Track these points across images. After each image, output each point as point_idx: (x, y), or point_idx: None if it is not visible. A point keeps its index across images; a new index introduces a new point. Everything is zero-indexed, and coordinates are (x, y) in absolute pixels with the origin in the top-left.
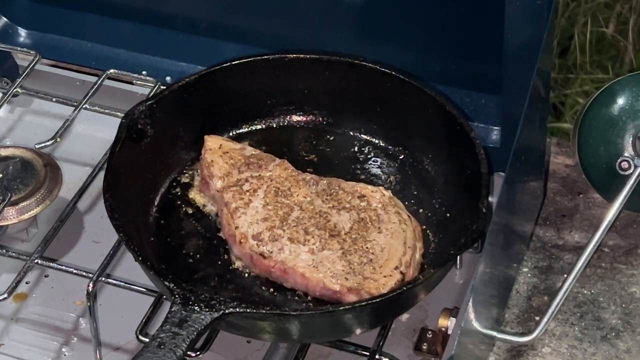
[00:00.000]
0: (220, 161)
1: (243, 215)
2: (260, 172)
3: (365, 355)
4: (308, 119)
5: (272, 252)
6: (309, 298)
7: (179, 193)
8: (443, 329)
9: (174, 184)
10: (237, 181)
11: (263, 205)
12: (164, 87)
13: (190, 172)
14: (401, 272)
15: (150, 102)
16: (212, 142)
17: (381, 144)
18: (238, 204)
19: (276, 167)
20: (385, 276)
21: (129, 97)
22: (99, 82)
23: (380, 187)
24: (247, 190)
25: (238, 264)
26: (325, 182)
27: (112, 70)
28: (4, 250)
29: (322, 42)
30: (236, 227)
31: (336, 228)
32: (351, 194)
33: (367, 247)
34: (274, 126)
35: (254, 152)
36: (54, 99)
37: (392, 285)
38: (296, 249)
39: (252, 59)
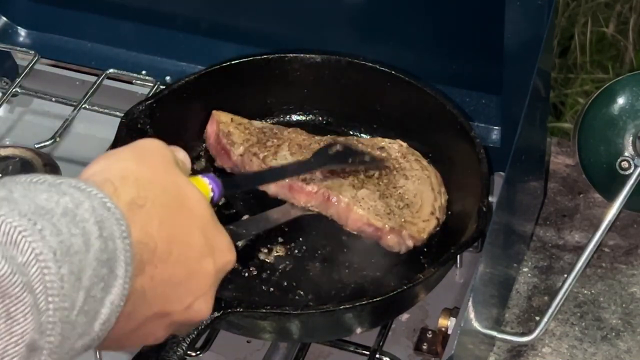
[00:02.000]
0: (236, 131)
1: (274, 160)
2: (278, 135)
3: (366, 355)
4: (308, 118)
5: (314, 179)
6: (310, 297)
7: None
8: (443, 329)
9: None
10: (258, 141)
11: (291, 154)
12: (164, 87)
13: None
14: (436, 218)
15: (150, 101)
16: (222, 116)
17: None
18: (266, 153)
19: (291, 132)
20: (423, 221)
21: (128, 97)
22: (98, 82)
23: (398, 139)
24: (271, 146)
25: (237, 264)
26: (342, 139)
27: (111, 70)
28: None
29: (322, 42)
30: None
31: (367, 173)
32: (370, 147)
33: (399, 193)
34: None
35: (264, 124)
36: (53, 99)
37: (430, 231)
38: (338, 181)
39: (252, 58)
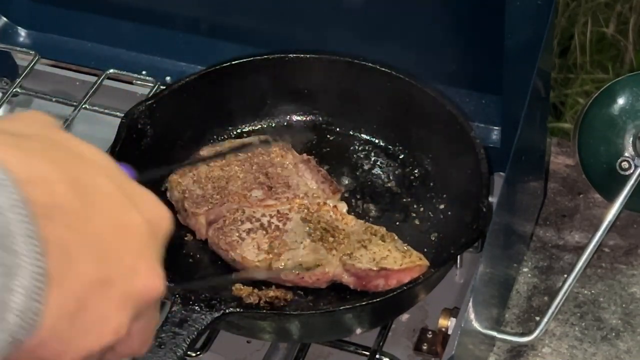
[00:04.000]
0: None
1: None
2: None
3: (366, 355)
4: (308, 119)
5: None
6: (309, 298)
7: None
8: (443, 329)
9: None
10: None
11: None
12: (164, 87)
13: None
14: None
15: (150, 101)
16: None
17: (381, 144)
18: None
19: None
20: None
21: (128, 97)
22: (98, 82)
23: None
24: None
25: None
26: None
27: (111, 70)
28: None
29: (322, 42)
30: None
31: None
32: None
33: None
34: (274, 126)
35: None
36: (53, 99)
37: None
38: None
39: (252, 59)
